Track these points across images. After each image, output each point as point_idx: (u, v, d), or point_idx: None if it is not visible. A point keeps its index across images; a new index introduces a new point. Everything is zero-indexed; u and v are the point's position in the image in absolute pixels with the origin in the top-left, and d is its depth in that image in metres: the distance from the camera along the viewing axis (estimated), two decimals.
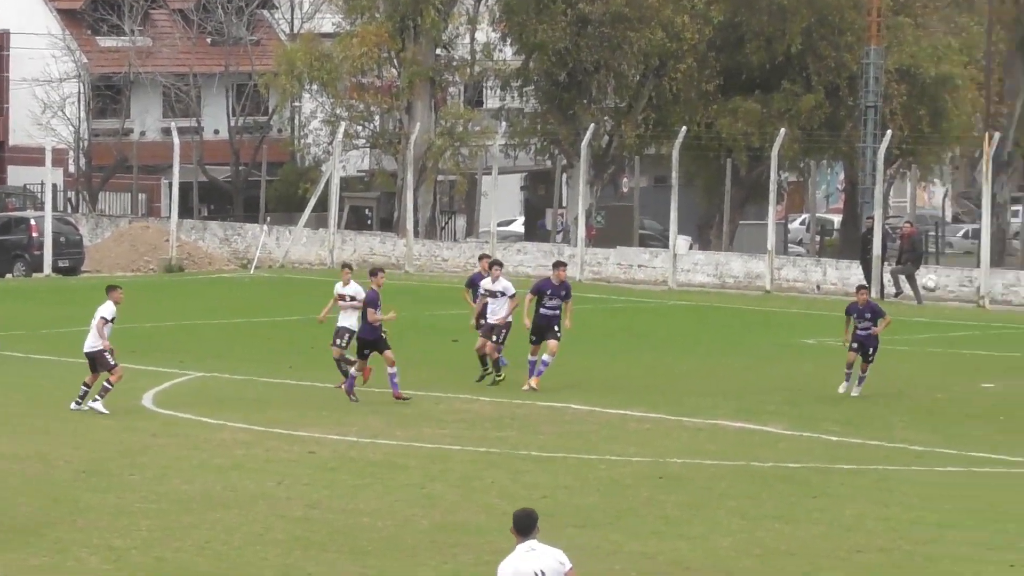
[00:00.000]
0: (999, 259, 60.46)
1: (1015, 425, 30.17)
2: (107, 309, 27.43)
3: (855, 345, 30.56)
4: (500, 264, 36.15)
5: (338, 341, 30.97)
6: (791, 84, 66.25)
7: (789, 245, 70.50)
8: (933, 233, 72.48)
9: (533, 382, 31.02)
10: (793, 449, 26.48)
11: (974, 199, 79.88)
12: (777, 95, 66.20)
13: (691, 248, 63.17)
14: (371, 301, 30.00)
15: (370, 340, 29.36)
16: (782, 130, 58.17)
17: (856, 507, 21.29)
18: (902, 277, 52.28)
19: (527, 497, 20.29)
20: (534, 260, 58.76)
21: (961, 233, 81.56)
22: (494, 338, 31.26)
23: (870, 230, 56.37)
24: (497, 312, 31.87)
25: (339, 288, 33.42)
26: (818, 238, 73.42)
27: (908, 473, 24.40)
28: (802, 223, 79.34)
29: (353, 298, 31.91)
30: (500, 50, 71.19)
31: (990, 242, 54.04)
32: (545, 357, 31.04)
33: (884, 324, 30.74)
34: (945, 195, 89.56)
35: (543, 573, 11.17)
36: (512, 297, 32.84)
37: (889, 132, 57.67)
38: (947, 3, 73.96)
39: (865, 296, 31.83)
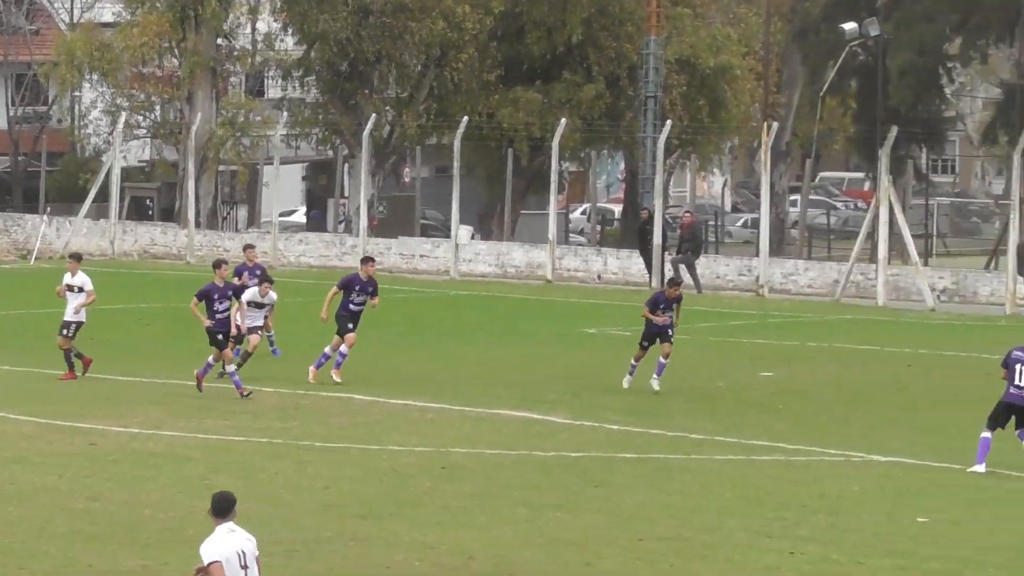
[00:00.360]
0: (778, 248, 62.08)
1: (793, 414, 30.98)
2: None
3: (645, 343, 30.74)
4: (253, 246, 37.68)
5: (64, 332, 30.87)
6: (572, 74, 67.15)
7: (570, 235, 71.41)
8: (713, 223, 73.92)
9: (335, 374, 31.07)
10: (575, 438, 26.71)
11: (752, 189, 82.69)
12: (558, 85, 66.92)
13: (473, 238, 64.18)
14: (222, 293, 29.83)
15: (223, 332, 29.29)
16: (563, 120, 59.05)
17: (637, 496, 21.59)
18: (682, 266, 53.11)
19: (311, 487, 21.18)
20: (316, 251, 59.48)
21: (740, 223, 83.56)
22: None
23: (647, 220, 57.20)
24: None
25: (67, 279, 33.05)
26: (599, 228, 75.12)
27: (688, 462, 24.85)
28: (583, 213, 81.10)
29: (81, 288, 31.69)
30: (282, 40, 71.68)
31: (768, 231, 55.26)
32: (343, 349, 31.25)
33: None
34: (724, 185, 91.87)
35: (244, 554, 11.62)
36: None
37: (669, 122, 58.61)
38: None
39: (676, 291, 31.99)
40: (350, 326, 31.16)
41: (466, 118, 58.79)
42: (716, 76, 68.76)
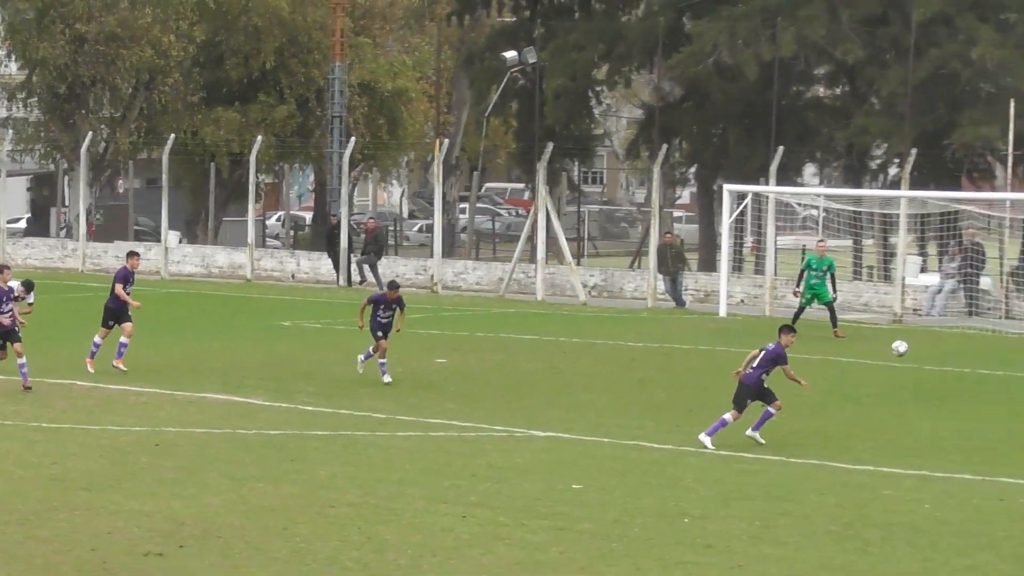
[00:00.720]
0: (449, 250, 62.68)
1: (463, 395, 31.51)
2: None
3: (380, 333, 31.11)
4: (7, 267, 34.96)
5: None
6: (267, 96, 66.98)
7: (267, 239, 71.66)
8: (392, 228, 75.04)
9: (119, 363, 30.67)
10: (273, 418, 27.11)
11: (427, 198, 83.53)
12: (254, 106, 66.76)
13: (181, 242, 64.03)
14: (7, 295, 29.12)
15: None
16: (259, 137, 59.15)
17: (329, 468, 22.05)
18: (365, 267, 54.25)
19: (39, 464, 21.09)
20: (41, 253, 59.77)
21: (416, 228, 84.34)
22: None
23: (335, 226, 57.68)
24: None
25: None
26: (292, 233, 76.22)
27: (373, 438, 25.39)
28: (278, 219, 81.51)
29: None
30: (6, 65, 71.43)
31: (441, 235, 55.95)
32: (123, 339, 30.88)
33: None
34: (402, 194, 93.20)
35: None
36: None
37: (353, 139, 58.61)
38: (401, 26, 76.34)
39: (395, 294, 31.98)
40: (122, 317, 31.08)
41: (173, 135, 58.91)
42: (394, 98, 69.11)
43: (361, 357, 31.36)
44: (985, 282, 50.31)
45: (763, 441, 23.46)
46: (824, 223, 58.56)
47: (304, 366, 34.32)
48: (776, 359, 23.68)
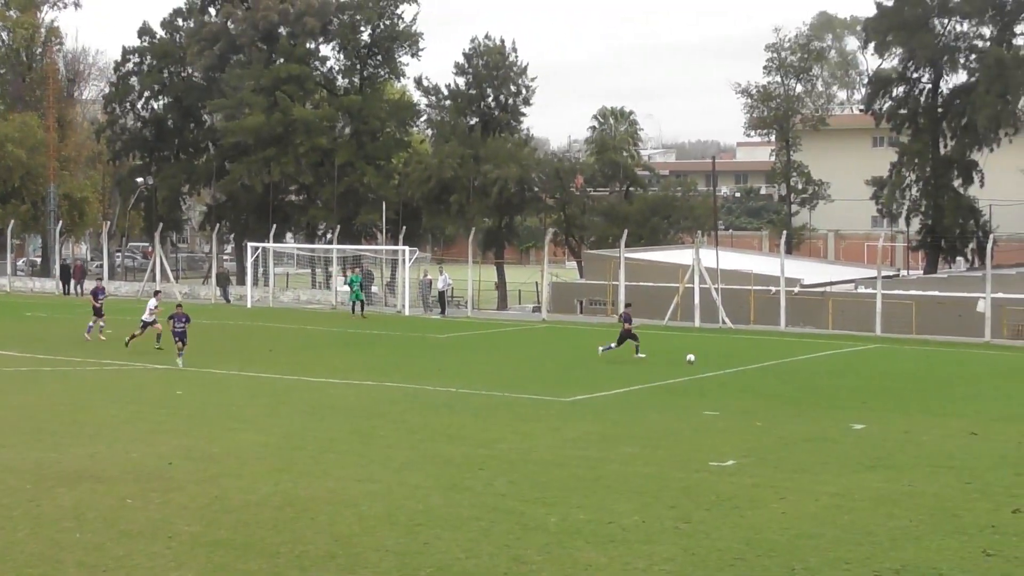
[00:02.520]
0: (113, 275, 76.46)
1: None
2: None
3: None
4: None
5: None
6: (15, 201, 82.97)
7: (18, 271, 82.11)
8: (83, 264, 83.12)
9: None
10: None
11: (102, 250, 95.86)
12: (9, 205, 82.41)
13: None
14: None
15: None
16: (12, 221, 75.45)
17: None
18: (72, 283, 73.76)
19: None
20: None
21: (97, 265, 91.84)
22: None
23: (65, 266, 75.90)
24: None
25: None
26: (31, 267, 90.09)
27: None
28: (24, 261, 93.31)
29: None
30: None
31: (108, 269, 73.60)
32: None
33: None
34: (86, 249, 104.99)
35: None
36: None
37: (60, 222, 78.29)
38: (85, 163, 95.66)
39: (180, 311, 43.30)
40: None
41: None
42: (81, 202, 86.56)
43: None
44: (375, 290, 74.23)
45: None
46: (297, 261, 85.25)
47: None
48: None
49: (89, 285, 76.11)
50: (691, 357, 44.41)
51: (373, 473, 25.66)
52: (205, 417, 32.26)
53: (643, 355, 45.58)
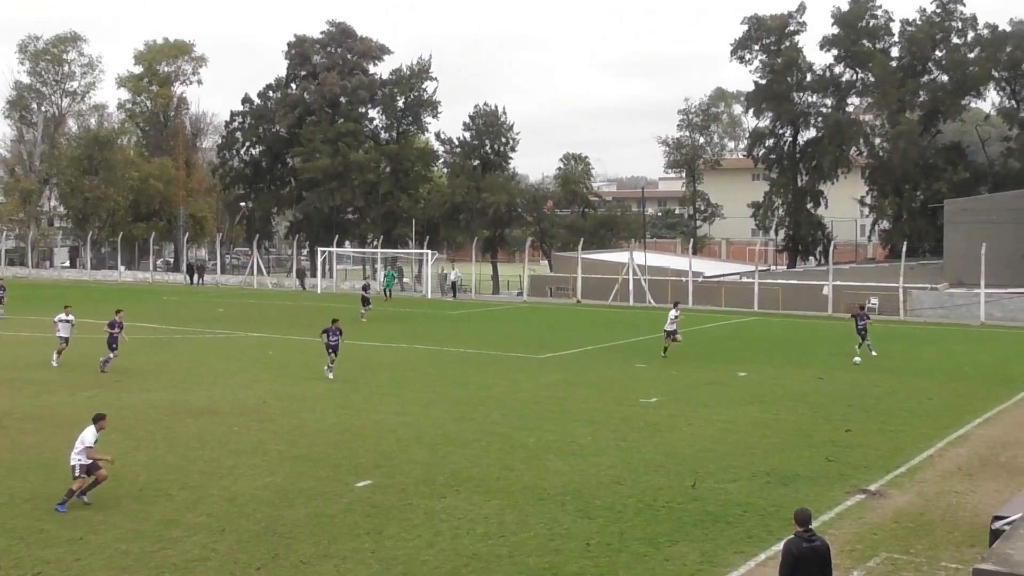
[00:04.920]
0: None
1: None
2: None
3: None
4: None
5: None
6: (155, 219, 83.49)
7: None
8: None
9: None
10: None
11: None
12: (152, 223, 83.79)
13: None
14: None
15: None
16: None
17: None
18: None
19: None
20: None
21: None
22: None
23: (191, 265, 76.39)
24: None
25: None
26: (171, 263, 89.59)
27: None
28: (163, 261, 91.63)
29: None
30: None
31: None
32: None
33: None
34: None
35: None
36: None
37: (187, 233, 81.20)
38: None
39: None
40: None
41: None
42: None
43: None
44: (407, 280, 76.02)
45: None
46: (352, 260, 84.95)
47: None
48: None
49: (208, 279, 78.19)
50: (857, 359, 35.41)
51: (406, 408, 25.89)
52: (289, 370, 32.49)
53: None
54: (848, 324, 40.21)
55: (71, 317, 32.37)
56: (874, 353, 36.23)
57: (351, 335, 37.05)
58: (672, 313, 36.29)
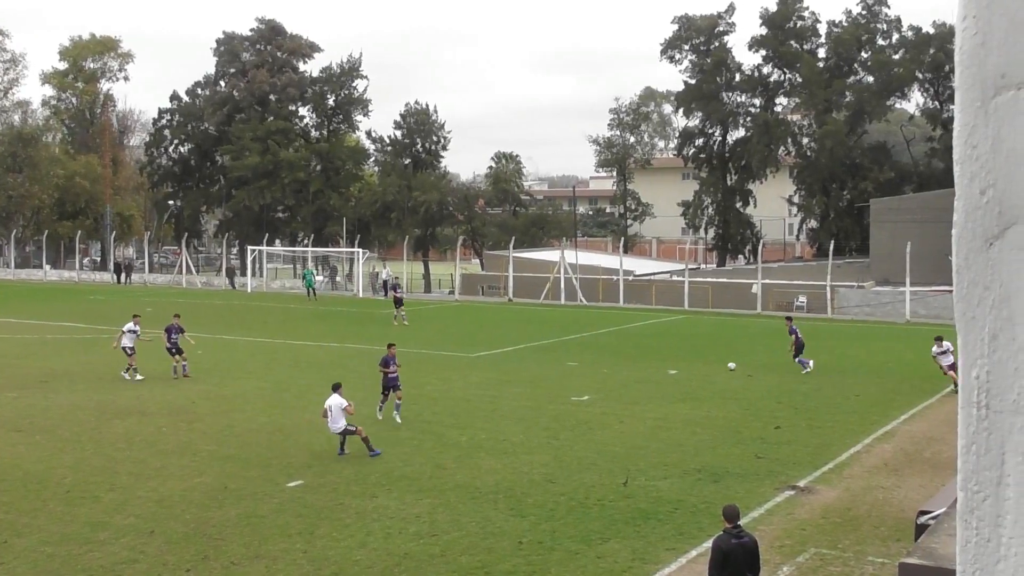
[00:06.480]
0: None
1: None
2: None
3: None
4: None
5: None
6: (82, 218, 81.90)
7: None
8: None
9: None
10: None
11: None
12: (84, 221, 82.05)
13: None
14: None
15: None
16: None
17: None
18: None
19: None
20: None
21: None
22: None
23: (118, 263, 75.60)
24: None
25: None
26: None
27: None
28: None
29: None
30: None
31: None
32: None
33: None
34: None
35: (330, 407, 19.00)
36: None
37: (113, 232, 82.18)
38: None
39: None
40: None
41: None
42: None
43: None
44: (338, 279, 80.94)
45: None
46: (283, 259, 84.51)
47: None
48: None
49: (136, 278, 76.82)
50: (732, 365, 33.53)
51: None
52: (219, 369, 32.25)
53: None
54: (777, 322, 40.60)
55: (138, 328, 30.79)
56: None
57: (355, 337, 36.57)
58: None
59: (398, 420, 23.66)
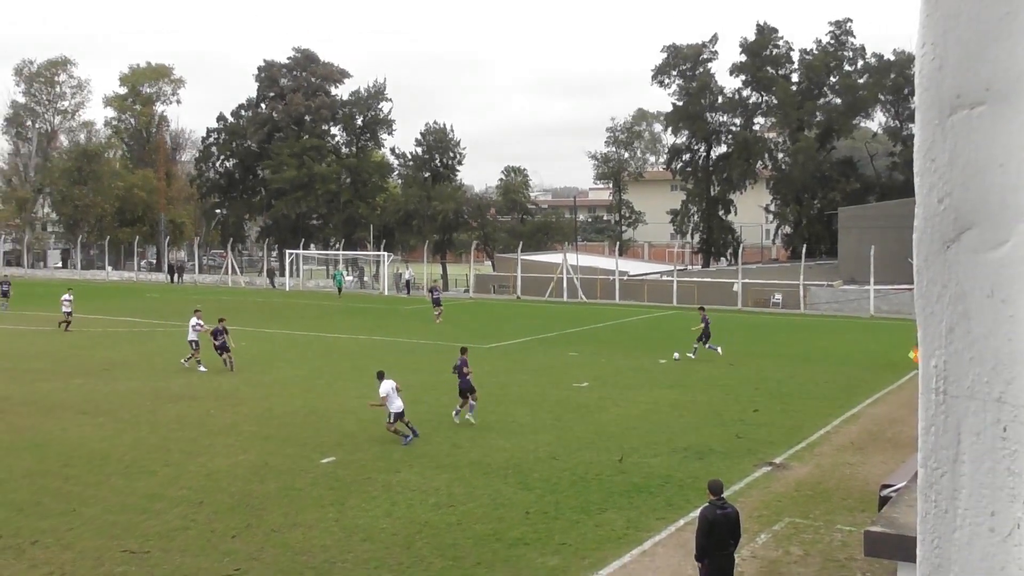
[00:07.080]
0: None
1: None
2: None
3: None
4: None
5: None
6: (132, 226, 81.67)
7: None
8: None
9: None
10: None
11: None
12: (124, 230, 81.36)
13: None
14: None
15: None
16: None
17: None
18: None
19: None
20: None
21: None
22: None
23: (171, 265, 74.95)
24: None
25: None
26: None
27: None
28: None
29: None
30: None
31: None
32: None
33: None
34: None
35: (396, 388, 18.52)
36: None
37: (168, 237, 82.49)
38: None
39: None
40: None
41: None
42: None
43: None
44: (366, 279, 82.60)
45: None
46: (317, 261, 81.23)
47: None
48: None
49: (187, 278, 76.64)
50: (676, 355, 33.17)
51: (365, 393, 25.62)
52: (260, 359, 32.08)
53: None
54: (755, 317, 40.46)
55: (201, 320, 30.16)
56: (692, 356, 33.41)
57: (408, 332, 36.21)
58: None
59: (473, 421, 21.92)
